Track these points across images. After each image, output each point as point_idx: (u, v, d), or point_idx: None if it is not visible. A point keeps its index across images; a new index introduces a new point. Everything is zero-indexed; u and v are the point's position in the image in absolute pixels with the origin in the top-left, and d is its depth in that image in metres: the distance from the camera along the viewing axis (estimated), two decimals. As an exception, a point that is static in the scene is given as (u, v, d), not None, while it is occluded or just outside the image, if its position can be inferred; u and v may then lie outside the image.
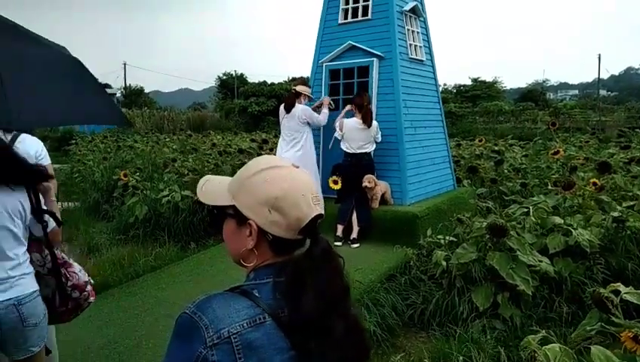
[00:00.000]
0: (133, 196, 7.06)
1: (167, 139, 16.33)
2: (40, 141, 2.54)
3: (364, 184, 5.48)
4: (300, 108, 5.79)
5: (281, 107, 5.95)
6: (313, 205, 1.00)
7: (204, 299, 0.97)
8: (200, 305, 0.95)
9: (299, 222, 0.98)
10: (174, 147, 13.16)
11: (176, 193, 6.56)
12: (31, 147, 2.49)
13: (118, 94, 37.57)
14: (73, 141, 16.09)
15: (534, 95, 44.57)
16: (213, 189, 1.10)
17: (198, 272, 4.81)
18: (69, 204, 8.68)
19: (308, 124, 5.79)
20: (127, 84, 43.91)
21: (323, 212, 1.04)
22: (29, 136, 2.46)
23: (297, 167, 1.06)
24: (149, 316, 3.79)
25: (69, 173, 10.94)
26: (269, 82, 36.09)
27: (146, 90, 50.34)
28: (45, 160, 2.58)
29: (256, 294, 0.97)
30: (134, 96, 43.22)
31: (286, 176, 1.01)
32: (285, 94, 6.01)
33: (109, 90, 30.89)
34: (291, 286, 0.96)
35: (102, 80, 46.58)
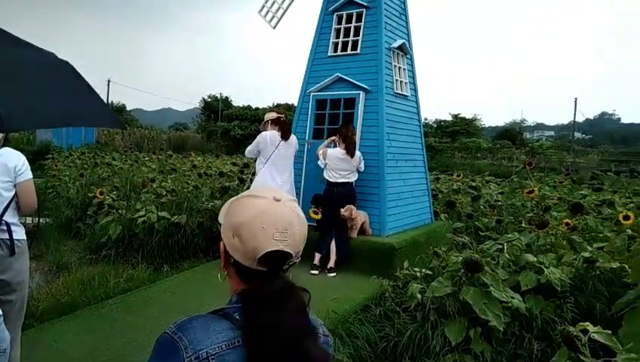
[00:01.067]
0: (107, 215, 6.95)
1: (146, 158, 16.16)
2: (22, 155, 2.50)
3: (342, 213, 5.51)
4: (294, 137, 5.87)
5: (271, 134, 5.68)
6: (273, 240, 0.99)
7: (185, 319, 0.99)
8: (181, 326, 0.98)
9: (254, 253, 0.99)
10: (153, 166, 13.04)
11: (152, 214, 6.49)
12: (10, 160, 2.45)
13: (100, 110, 37.16)
14: (49, 155, 15.79)
15: (511, 134, 45.76)
16: (224, 207, 1.13)
17: (170, 296, 4.71)
18: (41, 220, 8.47)
19: None
20: (110, 101, 43.58)
21: (290, 250, 1.02)
22: (11, 149, 2.43)
23: (279, 200, 1.04)
24: (117, 340, 3.67)
25: (43, 188, 10.71)
26: (253, 107, 36.30)
27: (128, 108, 50.05)
28: (25, 174, 2.55)
29: (237, 317, 1.00)
30: (116, 113, 42.85)
31: (256, 206, 1.03)
32: (284, 120, 5.94)
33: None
34: (248, 316, 0.98)
35: (84, 95, 46.18)
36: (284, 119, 5.90)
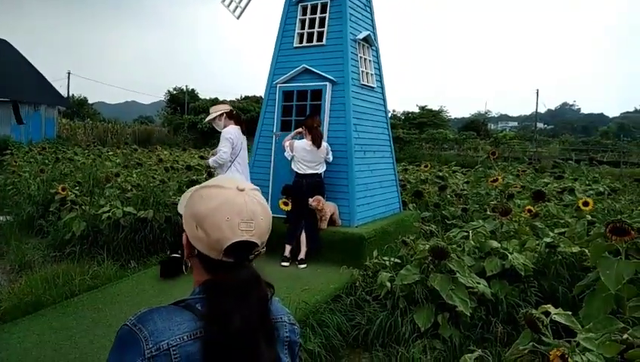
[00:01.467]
0: (70, 211, 6.74)
1: (110, 153, 15.76)
2: None
3: (310, 203, 5.52)
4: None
5: (237, 131, 5.40)
6: (239, 230, 0.98)
7: (146, 311, 0.98)
8: (141, 317, 0.97)
9: (219, 244, 0.98)
10: (118, 161, 12.73)
11: (117, 209, 6.33)
12: None
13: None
14: (8, 151, 15.18)
15: (476, 125, 46.73)
16: (184, 197, 1.11)
17: (137, 292, 4.62)
18: (0, 217, 8.16)
19: None
20: (71, 94, 42.21)
21: (255, 240, 1.00)
22: None
23: (242, 190, 1.02)
24: (83, 338, 3.59)
25: (2, 185, 10.30)
26: (220, 99, 35.80)
27: (90, 101, 48.62)
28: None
29: (199, 308, 0.99)
30: (77, 106, 41.55)
31: (219, 196, 1.01)
32: (238, 113, 5.63)
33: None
34: (208, 307, 0.97)
35: (43, 88, 44.57)
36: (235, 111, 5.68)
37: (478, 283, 3.84)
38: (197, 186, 1.08)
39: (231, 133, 5.35)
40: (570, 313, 2.83)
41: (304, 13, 6.56)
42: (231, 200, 1.00)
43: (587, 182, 9.73)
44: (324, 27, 6.37)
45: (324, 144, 5.74)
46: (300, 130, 5.84)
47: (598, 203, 6.37)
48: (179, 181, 8.46)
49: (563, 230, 5.22)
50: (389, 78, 7.11)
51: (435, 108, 41.11)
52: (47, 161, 12.36)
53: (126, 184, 8.10)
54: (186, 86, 43.06)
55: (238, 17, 7.33)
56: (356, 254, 5.29)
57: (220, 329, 0.94)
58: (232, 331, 0.94)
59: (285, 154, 5.84)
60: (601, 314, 3.01)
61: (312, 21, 6.49)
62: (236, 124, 5.49)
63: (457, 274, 3.73)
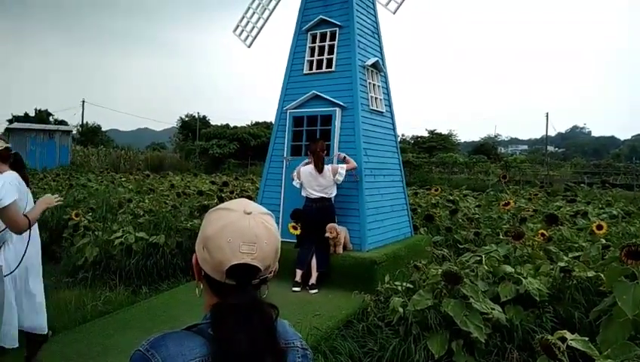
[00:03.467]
0: (83, 237, 6.80)
1: (122, 179, 15.93)
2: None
3: (326, 235, 5.52)
4: None
5: (18, 178, 3.21)
6: (239, 253, 0.99)
7: (158, 336, 0.98)
8: (154, 343, 0.97)
9: (221, 266, 0.99)
10: (130, 187, 12.85)
11: (130, 234, 6.38)
12: None
13: (75, 131, 36.68)
14: (23, 178, 15.40)
15: (486, 148, 46.65)
16: None
17: (149, 318, 4.62)
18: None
19: None
20: (85, 122, 43.02)
21: (257, 264, 1.00)
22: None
23: (249, 213, 1.03)
24: (94, 364, 3.59)
25: (16, 211, 10.42)
26: (231, 125, 36.26)
27: (104, 129, 49.42)
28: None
29: (210, 332, 0.99)
30: (91, 133, 42.29)
31: (225, 218, 1.02)
32: (17, 154, 3.56)
33: (65, 127, 30.10)
34: (214, 330, 0.97)
35: (59, 116, 45.51)
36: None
37: (493, 308, 3.78)
38: (209, 210, 1.10)
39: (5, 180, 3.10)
40: (587, 339, 2.78)
41: (313, 40, 6.69)
42: (235, 223, 1.01)
43: (600, 206, 9.61)
44: (333, 54, 6.49)
45: (327, 167, 5.71)
46: (309, 160, 5.85)
47: (612, 226, 6.29)
48: (190, 206, 8.51)
49: (577, 254, 5.14)
50: (397, 102, 7.21)
51: (445, 132, 41.26)
52: (60, 188, 12.52)
53: (138, 210, 8.17)
54: (198, 113, 43.75)
55: (249, 46, 7.50)
56: (368, 279, 5.25)
57: (226, 352, 0.94)
58: (237, 353, 0.93)
59: (293, 183, 5.87)
60: (619, 340, 2.94)
61: (322, 48, 6.61)
62: (13, 168, 3.35)
63: (471, 300, 3.67)
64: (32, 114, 44.41)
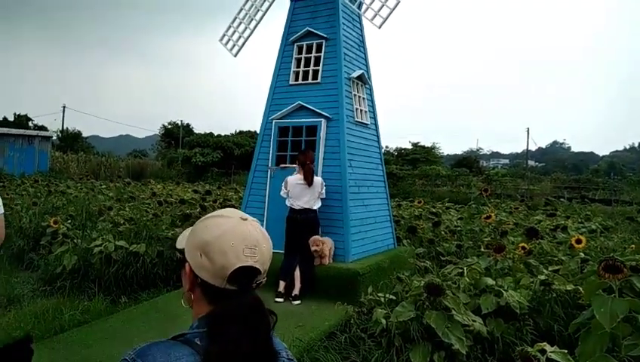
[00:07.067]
0: (62, 244, 6.68)
1: (103, 186, 15.70)
2: None
3: (312, 248, 5.52)
4: None
5: None
6: (243, 256, 1.00)
7: (144, 346, 0.98)
8: (140, 352, 0.96)
9: (224, 271, 0.99)
10: (110, 194, 12.67)
11: (109, 243, 6.28)
12: None
13: (55, 137, 36.09)
14: (0, 183, 15.10)
15: (469, 162, 47.26)
16: (184, 234, 1.14)
17: (128, 328, 4.55)
18: (-10, 250, 8.04)
19: None
20: (65, 128, 42.38)
21: (259, 267, 1.03)
22: None
23: (245, 219, 1.07)
24: (71, 375, 3.51)
25: (-8, 218, 10.18)
26: (215, 133, 36.09)
27: (85, 135, 48.67)
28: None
29: (198, 342, 0.98)
30: (71, 140, 41.64)
31: (224, 224, 1.04)
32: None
33: (45, 133, 29.59)
34: (211, 337, 0.97)
35: (39, 122, 44.74)
36: None
37: (474, 320, 3.81)
38: (200, 219, 1.11)
39: None
40: (566, 351, 2.82)
41: (300, 52, 6.74)
42: (236, 228, 1.04)
43: (580, 220, 9.80)
44: (319, 66, 6.54)
45: (318, 179, 5.77)
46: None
47: (590, 240, 6.41)
48: (172, 215, 8.42)
49: (557, 267, 5.22)
50: (381, 114, 7.29)
51: (428, 144, 41.68)
52: (39, 194, 12.28)
53: (119, 218, 8.05)
54: (181, 120, 43.48)
55: (235, 55, 7.51)
56: (351, 290, 5.25)
57: (227, 353, 0.94)
58: (240, 354, 0.93)
59: (281, 193, 5.85)
60: (597, 352, 3.00)
61: (308, 60, 6.66)
62: None
63: (453, 312, 3.70)
64: (10, 118, 43.58)
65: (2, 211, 2.55)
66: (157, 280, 6.32)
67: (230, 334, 0.96)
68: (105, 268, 6.06)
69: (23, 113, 45.12)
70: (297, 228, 5.64)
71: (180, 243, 1.13)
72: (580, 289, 4.18)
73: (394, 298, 4.36)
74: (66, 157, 29.99)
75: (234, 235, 1.02)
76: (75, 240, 6.70)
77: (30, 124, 43.96)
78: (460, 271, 4.73)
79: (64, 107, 40.60)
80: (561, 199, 16.18)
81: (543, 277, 4.56)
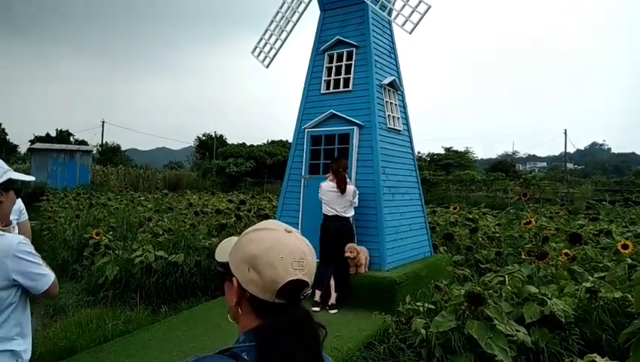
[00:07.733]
0: (104, 256, 6.87)
1: (142, 198, 16.11)
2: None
3: (346, 255, 5.49)
4: None
5: None
6: (292, 269, 0.99)
7: (193, 360, 0.98)
8: None
9: (274, 284, 0.99)
10: (149, 206, 12.98)
11: (149, 253, 6.42)
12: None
13: (95, 151, 37.39)
14: (44, 197, 15.72)
15: (504, 166, 46.09)
16: (224, 247, 1.14)
17: (169, 338, 4.62)
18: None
19: None
20: (104, 142, 43.85)
21: (307, 279, 1.02)
22: None
23: (290, 232, 1.06)
24: (116, 384, 3.59)
25: (38, 230, 10.61)
26: (248, 144, 36.58)
27: (123, 148, 50.25)
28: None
29: (245, 357, 0.98)
30: (110, 153, 43.04)
31: (270, 238, 1.04)
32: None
33: (85, 147, 30.69)
34: (262, 351, 0.96)
35: (80, 137, 46.42)
36: None
37: (518, 330, 3.69)
38: (244, 232, 1.10)
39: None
40: (618, 363, 2.69)
41: (330, 60, 6.77)
42: (283, 241, 1.03)
43: (624, 224, 9.39)
44: (350, 74, 6.55)
45: (351, 187, 5.73)
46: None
47: (638, 245, 6.13)
48: (208, 225, 8.55)
49: (602, 274, 5.02)
50: (414, 119, 7.23)
51: (461, 149, 40.97)
52: (81, 207, 12.71)
53: (158, 228, 8.24)
54: (215, 132, 44.30)
55: (267, 67, 7.60)
56: (388, 299, 5.19)
57: None
58: None
59: (320, 195, 5.84)
60: (652, 365, 2.85)
61: (339, 68, 6.68)
62: None
63: (495, 321, 3.60)
64: (53, 134, 45.44)
65: (26, 217, 2.86)
66: (196, 289, 6.42)
67: (282, 348, 0.95)
68: (145, 278, 6.20)
69: (64, 129, 47.02)
70: (331, 237, 5.63)
71: (220, 256, 1.12)
72: (629, 296, 4.01)
73: (433, 307, 4.28)
74: (106, 171, 30.97)
75: (281, 248, 1.02)
76: (117, 251, 6.88)
77: (71, 139, 45.72)
78: (501, 279, 4.61)
79: (103, 122, 42.07)
80: (603, 202, 15.60)
81: (588, 285, 4.39)
